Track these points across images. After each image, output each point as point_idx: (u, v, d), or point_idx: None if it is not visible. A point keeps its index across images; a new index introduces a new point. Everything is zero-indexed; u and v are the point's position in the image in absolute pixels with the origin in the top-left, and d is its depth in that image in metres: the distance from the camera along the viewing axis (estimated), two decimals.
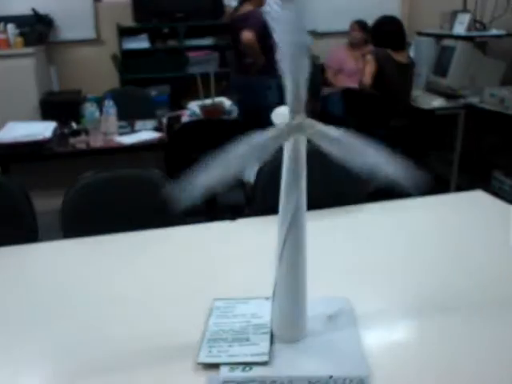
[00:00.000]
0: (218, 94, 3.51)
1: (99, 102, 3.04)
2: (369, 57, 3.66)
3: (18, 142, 2.67)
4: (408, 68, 3.75)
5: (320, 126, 0.88)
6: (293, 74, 0.83)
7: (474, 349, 1.02)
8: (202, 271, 1.33)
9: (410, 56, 3.96)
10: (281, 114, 0.89)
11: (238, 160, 0.85)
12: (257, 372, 0.94)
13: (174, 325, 1.11)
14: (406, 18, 4.94)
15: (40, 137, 2.72)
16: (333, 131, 0.87)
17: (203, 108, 3.21)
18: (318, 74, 4.52)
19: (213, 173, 0.84)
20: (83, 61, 4.79)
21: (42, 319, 1.15)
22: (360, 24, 4.45)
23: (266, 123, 0.88)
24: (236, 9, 3.76)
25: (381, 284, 1.26)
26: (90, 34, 4.78)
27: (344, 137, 0.87)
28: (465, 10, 3.96)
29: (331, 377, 0.92)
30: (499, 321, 1.10)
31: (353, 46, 4.54)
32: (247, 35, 3.40)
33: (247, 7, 3.59)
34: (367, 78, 3.62)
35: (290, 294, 1.00)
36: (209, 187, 0.85)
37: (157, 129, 3.04)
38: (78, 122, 3.04)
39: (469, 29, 3.77)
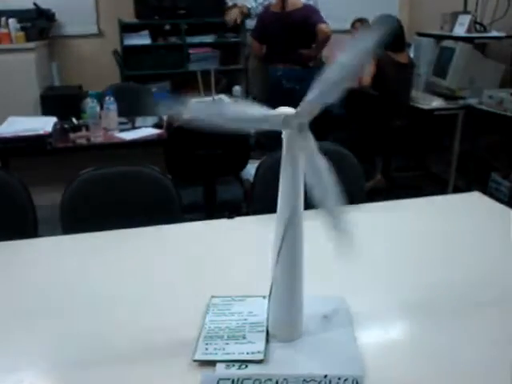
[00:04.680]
0: (218, 91, 3.52)
1: (100, 98, 3.04)
2: None
3: (19, 137, 2.68)
4: (408, 68, 3.76)
5: (312, 143, 0.87)
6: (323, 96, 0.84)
7: (469, 349, 1.03)
8: (200, 269, 1.35)
9: (410, 56, 3.97)
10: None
11: (230, 114, 0.88)
12: (252, 370, 0.95)
13: (170, 321, 1.12)
14: (406, 18, 4.94)
15: (40, 131, 2.72)
16: (318, 158, 0.87)
17: None
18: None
19: (206, 108, 0.87)
20: (84, 56, 4.78)
21: (40, 314, 1.16)
22: (362, 22, 4.45)
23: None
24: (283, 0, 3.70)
25: (377, 284, 1.27)
26: (91, 29, 4.78)
27: (322, 167, 0.87)
28: (465, 12, 3.97)
29: (326, 376, 0.93)
30: (496, 321, 1.11)
31: None
32: (326, 27, 3.51)
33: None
34: (366, 79, 3.64)
35: (287, 293, 1.01)
36: (195, 116, 0.88)
37: (157, 125, 3.04)
38: (78, 118, 3.05)
39: (469, 30, 3.78)
